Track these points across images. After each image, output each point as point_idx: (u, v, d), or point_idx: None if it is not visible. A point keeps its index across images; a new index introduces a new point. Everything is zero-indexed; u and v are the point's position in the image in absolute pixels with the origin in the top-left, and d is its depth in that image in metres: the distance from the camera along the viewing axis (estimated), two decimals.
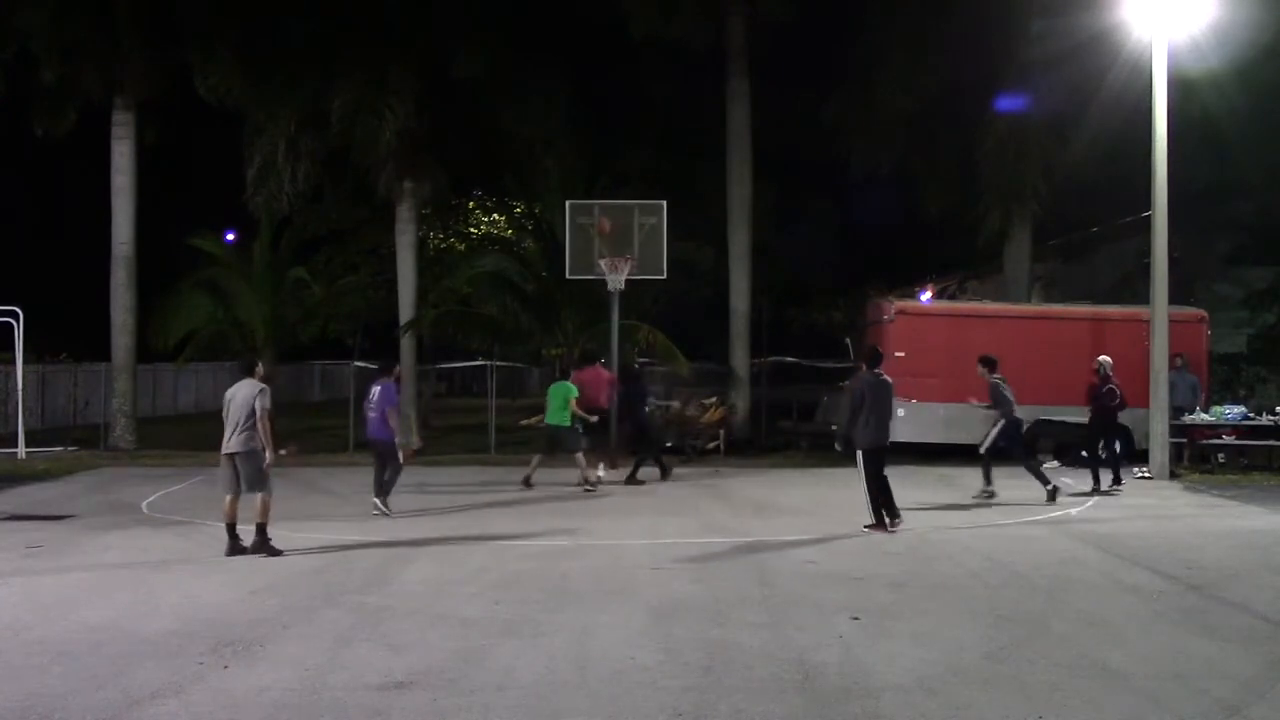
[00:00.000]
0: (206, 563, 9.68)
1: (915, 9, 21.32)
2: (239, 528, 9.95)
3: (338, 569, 9.40)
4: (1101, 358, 15.12)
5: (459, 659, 6.55)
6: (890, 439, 11.53)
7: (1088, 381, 15.19)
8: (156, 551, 10.27)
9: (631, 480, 15.52)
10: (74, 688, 5.98)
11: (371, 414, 12.62)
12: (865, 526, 11.35)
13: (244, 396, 9.97)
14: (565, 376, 15.79)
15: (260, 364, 10.69)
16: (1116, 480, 14.79)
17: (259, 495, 9.91)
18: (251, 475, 9.88)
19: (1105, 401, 14.78)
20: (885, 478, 11.37)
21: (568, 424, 14.88)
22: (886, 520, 11.30)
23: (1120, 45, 17.04)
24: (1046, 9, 19.27)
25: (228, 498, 9.96)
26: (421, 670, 6.31)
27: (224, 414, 10.12)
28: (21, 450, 19.34)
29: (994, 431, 13.81)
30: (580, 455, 14.93)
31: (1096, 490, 14.51)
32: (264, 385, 10.10)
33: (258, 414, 9.82)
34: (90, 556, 10.04)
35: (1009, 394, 13.81)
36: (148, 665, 6.42)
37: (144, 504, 13.46)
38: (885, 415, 11.36)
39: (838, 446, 11.86)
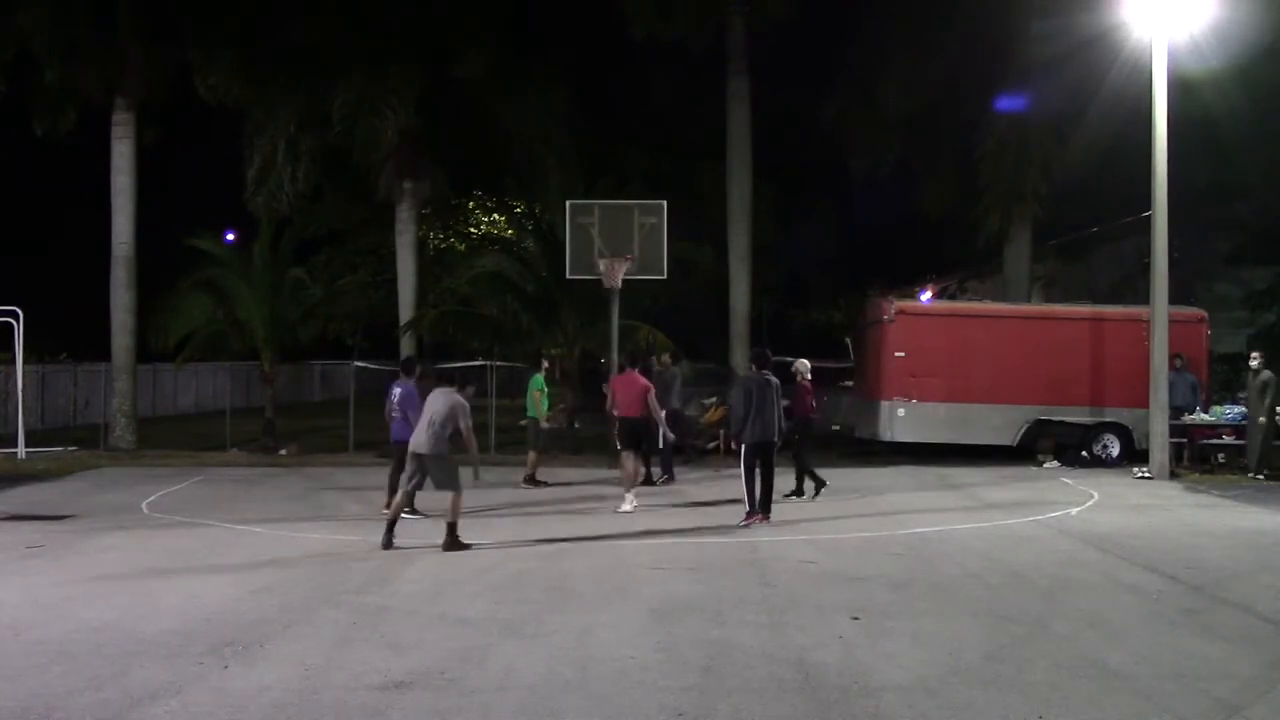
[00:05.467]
0: (206, 563, 9.68)
1: (915, 9, 21.34)
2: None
3: (338, 569, 9.40)
4: (799, 362, 14.35)
5: (459, 659, 6.55)
6: (773, 436, 11.84)
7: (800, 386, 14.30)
8: (156, 551, 10.26)
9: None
10: (74, 688, 5.97)
11: (395, 416, 12.53)
12: (742, 522, 11.72)
13: (445, 405, 10.42)
14: (541, 369, 16.31)
15: (470, 387, 11.32)
16: (798, 491, 13.93)
17: (450, 494, 10.38)
18: (440, 477, 10.40)
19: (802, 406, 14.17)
20: (768, 470, 11.83)
21: (531, 415, 15.59)
22: (760, 510, 11.70)
23: (1120, 45, 17.04)
24: (1046, 9, 19.27)
25: (400, 493, 10.72)
26: (421, 670, 6.31)
27: (388, 409, 11.03)
28: (21, 450, 19.34)
29: None
30: (533, 453, 15.53)
31: (797, 494, 13.84)
32: (465, 401, 10.61)
33: (463, 431, 10.42)
34: (90, 556, 10.03)
35: None
36: (148, 665, 6.42)
37: (144, 504, 13.46)
38: (770, 414, 11.72)
39: (733, 444, 12.05)
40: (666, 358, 16.70)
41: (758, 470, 11.84)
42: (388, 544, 10.24)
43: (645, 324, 20.49)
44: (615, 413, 13.73)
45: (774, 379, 11.94)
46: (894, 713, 5.60)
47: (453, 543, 10.19)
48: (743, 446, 11.83)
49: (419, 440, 10.39)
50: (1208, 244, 23.16)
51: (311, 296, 23.19)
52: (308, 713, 5.60)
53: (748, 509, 11.81)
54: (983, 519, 12.40)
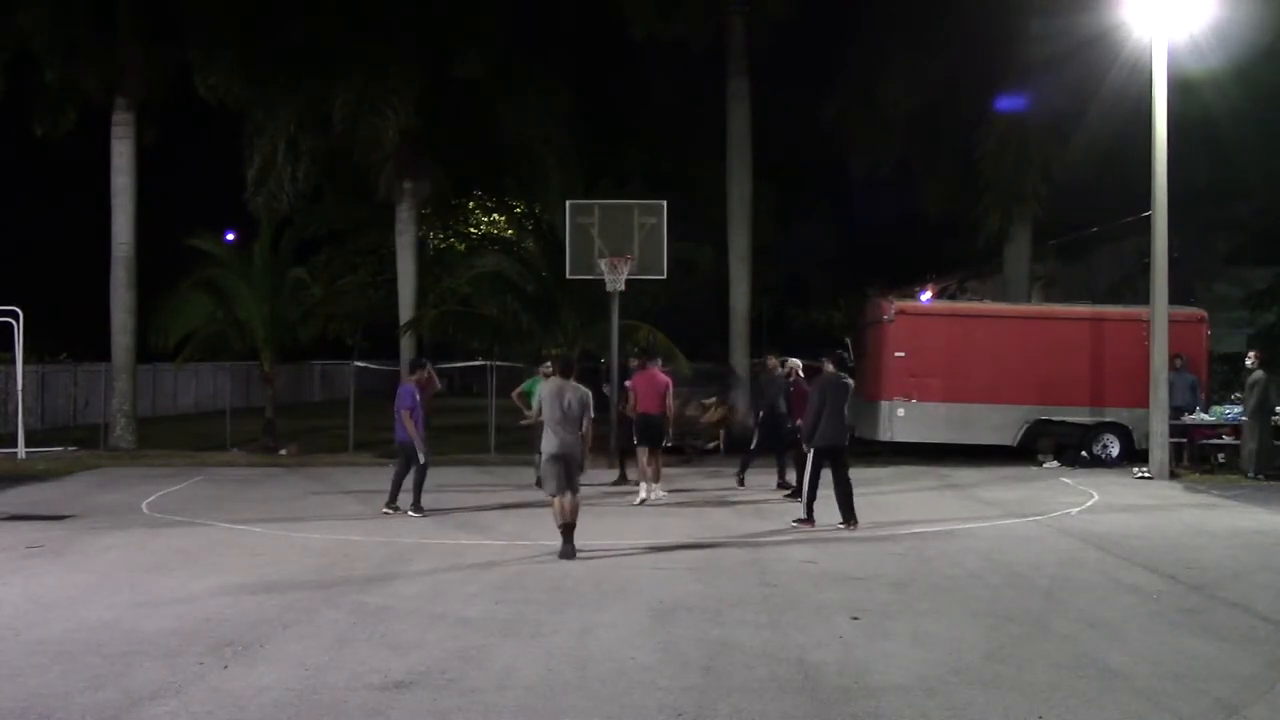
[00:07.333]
0: (206, 563, 9.68)
1: (915, 9, 21.34)
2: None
3: (338, 569, 9.40)
4: (790, 360, 15.21)
5: (459, 659, 6.55)
6: (843, 439, 11.74)
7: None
8: (156, 551, 10.26)
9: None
10: (74, 688, 5.98)
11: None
12: (794, 521, 11.64)
13: (579, 400, 9.76)
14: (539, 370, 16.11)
15: (575, 365, 10.69)
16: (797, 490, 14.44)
17: (576, 496, 9.96)
18: (577, 477, 9.96)
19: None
20: (843, 474, 11.60)
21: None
22: (846, 519, 11.49)
23: (1120, 45, 17.04)
24: (1046, 9, 19.27)
25: (558, 499, 9.84)
26: (421, 670, 6.31)
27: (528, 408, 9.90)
28: (21, 450, 19.34)
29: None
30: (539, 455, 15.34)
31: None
32: (587, 390, 9.95)
33: (584, 424, 9.78)
34: (90, 556, 10.03)
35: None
36: (148, 665, 6.42)
37: (144, 504, 13.46)
38: (838, 417, 11.58)
39: (804, 446, 11.92)
40: (774, 360, 16.42)
41: (831, 475, 11.55)
42: (569, 553, 9.69)
43: (645, 324, 20.51)
44: (634, 410, 13.88)
45: (850, 381, 11.83)
46: (894, 713, 5.60)
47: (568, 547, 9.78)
48: (811, 451, 11.58)
49: (565, 442, 9.69)
50: (1208, 244, 23.18)
51: (311, 296, 23.20)
52: (308, 713, 5.60)
53: (805, 516, 11.54)
54: (983, 519, 12.39)
